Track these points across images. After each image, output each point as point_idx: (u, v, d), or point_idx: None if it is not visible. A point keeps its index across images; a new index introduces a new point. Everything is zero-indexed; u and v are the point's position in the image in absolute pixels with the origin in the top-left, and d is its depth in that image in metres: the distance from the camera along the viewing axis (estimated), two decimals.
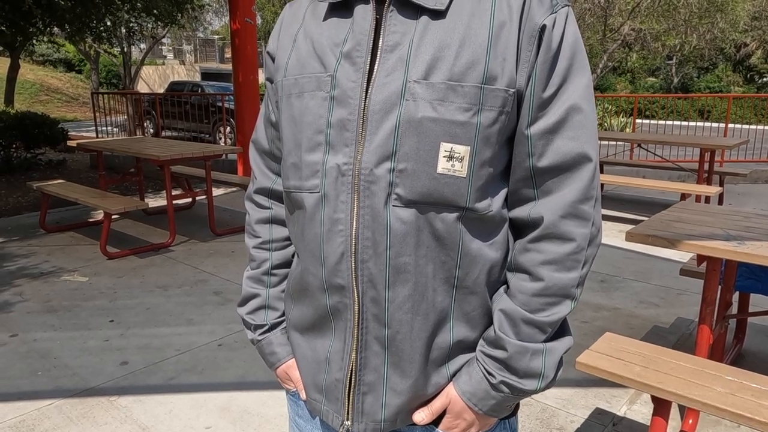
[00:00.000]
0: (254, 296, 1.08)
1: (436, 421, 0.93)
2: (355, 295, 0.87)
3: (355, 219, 0.85)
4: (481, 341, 0.91)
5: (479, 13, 0.82)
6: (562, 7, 0.84)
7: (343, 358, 0.91)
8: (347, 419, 0.93)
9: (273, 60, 0.98)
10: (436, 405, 0.91)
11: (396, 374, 0.89)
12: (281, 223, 1.07)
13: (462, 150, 0.82)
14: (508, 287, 0.90)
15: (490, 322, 0.91)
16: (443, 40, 0.82)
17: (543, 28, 0.82)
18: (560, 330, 0.90)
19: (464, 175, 0.83)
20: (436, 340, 0.89)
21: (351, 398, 0.91)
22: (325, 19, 0.90)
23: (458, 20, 0.82)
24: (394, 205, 0.83)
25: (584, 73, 0.85)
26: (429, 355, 0.89)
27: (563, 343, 0.89)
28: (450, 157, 0.82)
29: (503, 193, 0.89)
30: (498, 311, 0.89)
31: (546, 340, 0.87)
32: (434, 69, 0.81)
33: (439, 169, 0.82)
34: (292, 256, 1.06)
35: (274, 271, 1.07)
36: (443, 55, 0.81)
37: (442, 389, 0.92)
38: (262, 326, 1.07)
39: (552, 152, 0.84)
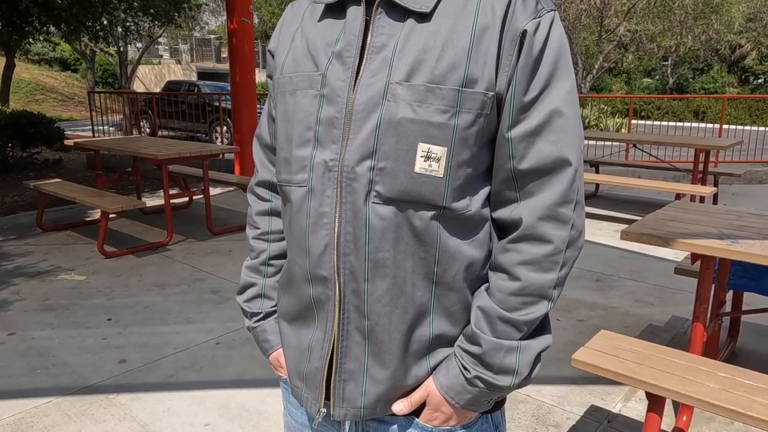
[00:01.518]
0: (251, 285, 1.12)
1: (418, 413, 0.96)
2: (337, 286, 0.90)
3: (338, 214, 0.88)
4: (460, 337, 0.94)
5: (463, 16, 0.84)
6: (547, 12, 0.85)
7: (323, 347, 0.94)
8: (323, 406, 0.96)
9: (273, 57, 1.03)
10: (415, 397, 0.94)
11: (376, 364, 0.92)
12: (280, 215, 1.11)
13: (439, 151, 0.84)
14: (488, 285, 0.93)
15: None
16: (427, 42, 0.84)
17: (524, 32, 0.83)
18: (539, 328, 0.92)
19: (441, 175, 0.85)
20: (416, 333, 0.92)
21: (332, 385, 0.94)
22: (320, 19, 0.94)
23: (442, 23, 0.85)
24: (373, 202, 0.86)
25: (567, 77, 0.86)
26: (408, 348, 0.92)
27: (540, 342, 0.91)
28: (427, 158, 0.84)
29: (484, 193, 0.91)
30: (476, 308, 0.91)
31: (522, 338, 0.89)
32: (416, 71, 0.84)
33: (417, 169, 0.85)
34: None
35: (271, 262, 1.11)
36: (425, 58, 0.84)
37: (423, 381, 0.94)
38: (257, 314, 1.11)
39: (533, 155, 0.86)
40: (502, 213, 0.91)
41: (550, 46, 0.85)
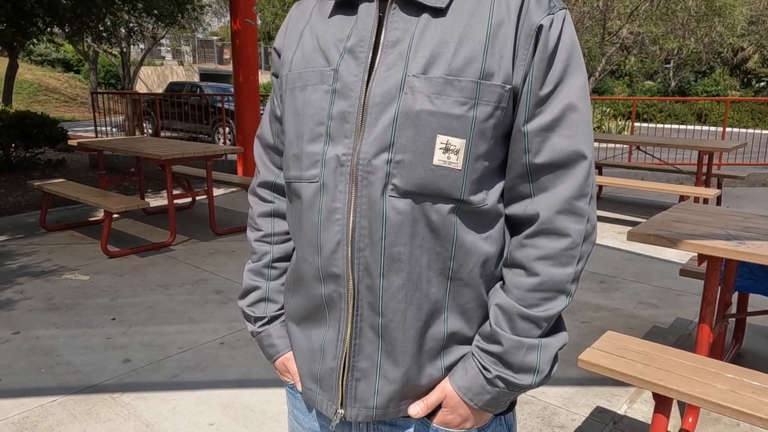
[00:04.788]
0: (255, 288, 1.10)
1: (431, 415, 0.94)
2: (350, 283, 0.89)
3: (352, 208, 0.87)
4: (477, 336, 0.92)
5: (479, 12, 0.85)
6: (560, 10, 0.86)
7: (337, 347, 0.93)
8: (340, 407, 0.94)
9: (279, 56, 1.02)
10: (432, 399, 0.93)
11: (389, 362, 0.91)
12: (283, 216, 1.09)
13: (458, 143, 0.84)
14: (504, 283, 0.92)
15: (486, 316, 0.93)
16: (443, 37, 0.84)
17: (540, 27, 0.84)
18: (555, 326, 0.91)
19: (459, 168, 0.85)
20: (430, 331, 0.91)
21: (344, 385, 0.93)
22: (330, 16, 0.94)
23: (458, 18, 0.85)
24: (390, 196, 0.85)
25: (580, 73, 0.88)
26: (422, 346, 0.91)
27: (558, 339, 0.91)
28: (446, 150, 0.84)
29: (499, 187, 0.91)
30: (494, 306, 0.90)
31: (541, 336, 0.88)
32: (433, 64, 0.84)
33: (435, 161, 0.84)
34: (293, 249, 1.08)
35: (275, 264, 1.09)
36: (442, 52, 0.84)
37: (437, 382, 0.93)
38: (261, 318, 1.08)
39: (548, 149, 0.86)
40: (516, 209, 0.91)
41: (564, 42, 0.86)
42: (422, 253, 0.87)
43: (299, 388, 1.03)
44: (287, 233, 1.09)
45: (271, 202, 1.10)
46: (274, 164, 1.09)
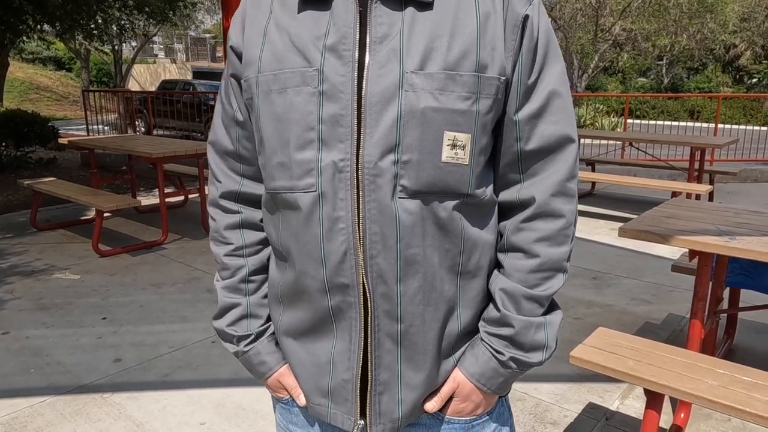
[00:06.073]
0: (234, 306, 1.01)
1: (442, 408, 0.95)
2: (362, 292, 0.86)
3: (360, 215, 0.84)
4: (481, 322, 0.94)
5: (464, 5, 0.85)
6: None
7: (350, 357, 0.90)
8: (360, 419, 0.91)
9: (239, 56, 0.94)
10: (445, 390, 0.93)
11: (410, 369, 0.90)
12: (253, 227, 1.02)
13: (464, 138, 0.84)
14: (501, 267, 0.93)
15: (486, 305, 0.95)
16: (434, 30, 0.83)
17: (526, 17, 0.86)
18: (551, 305, 0.95)
19: (467, 163, 0.85)
20: (447, 329, 0.92)
21: (369, 398, 0.90)
22: (299, 11, 0.88)
23: (445, 12, 0.84)
24: (400, 197, 0.83)
25: (559, 59, 0.90)
26: (441, 345, 0.91)
27: (558, 316, 0.95)
28: (453, 146, 0.84)
29: (492, 177, 0.93)
30: (498, 290, 0.91)
31: (544, 314, 0.92)
32: (429, 59, 0.82)
33: (444, 158, 0.84)
34: (268, 259, 1.03)
35: (252, 278, 1.02)
36: (436, 46, 0.82)
37: (449, 375, 0.94)
38: (246, 336, 1.01)
39: (537, 136, 0.88)
40: (508, 195, 0.93)
41: (543, 31, 0.88)
42: (433, 251, 0.87)
43: (300, 402, 0.98)
44: (260, 243, 1.02)
45: (237, 212, 1.01)
46: (234, 171, 1.01)
